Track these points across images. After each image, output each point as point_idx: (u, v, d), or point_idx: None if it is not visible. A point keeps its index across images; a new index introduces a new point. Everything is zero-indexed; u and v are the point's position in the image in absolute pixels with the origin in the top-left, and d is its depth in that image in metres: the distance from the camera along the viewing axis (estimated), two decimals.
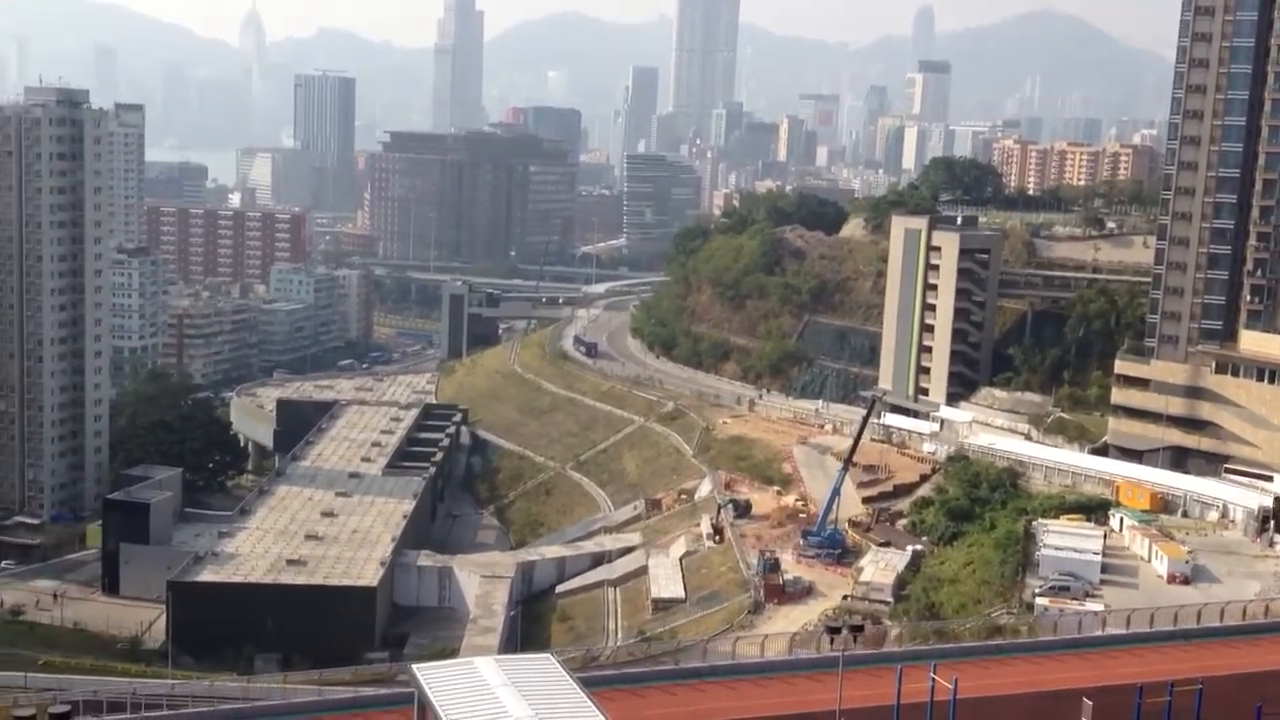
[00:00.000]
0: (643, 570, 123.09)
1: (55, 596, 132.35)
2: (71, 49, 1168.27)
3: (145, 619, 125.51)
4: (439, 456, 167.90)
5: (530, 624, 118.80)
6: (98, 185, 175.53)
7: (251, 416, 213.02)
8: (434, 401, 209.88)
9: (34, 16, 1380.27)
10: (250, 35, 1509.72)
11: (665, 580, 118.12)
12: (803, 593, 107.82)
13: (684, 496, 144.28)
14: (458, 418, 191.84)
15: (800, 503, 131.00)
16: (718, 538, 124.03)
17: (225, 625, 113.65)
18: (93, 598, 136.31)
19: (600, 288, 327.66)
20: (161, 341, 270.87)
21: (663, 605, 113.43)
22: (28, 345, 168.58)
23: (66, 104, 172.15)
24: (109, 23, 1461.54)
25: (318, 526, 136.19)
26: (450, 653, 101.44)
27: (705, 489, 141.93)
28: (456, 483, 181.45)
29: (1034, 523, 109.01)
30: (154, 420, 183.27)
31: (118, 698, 63.92)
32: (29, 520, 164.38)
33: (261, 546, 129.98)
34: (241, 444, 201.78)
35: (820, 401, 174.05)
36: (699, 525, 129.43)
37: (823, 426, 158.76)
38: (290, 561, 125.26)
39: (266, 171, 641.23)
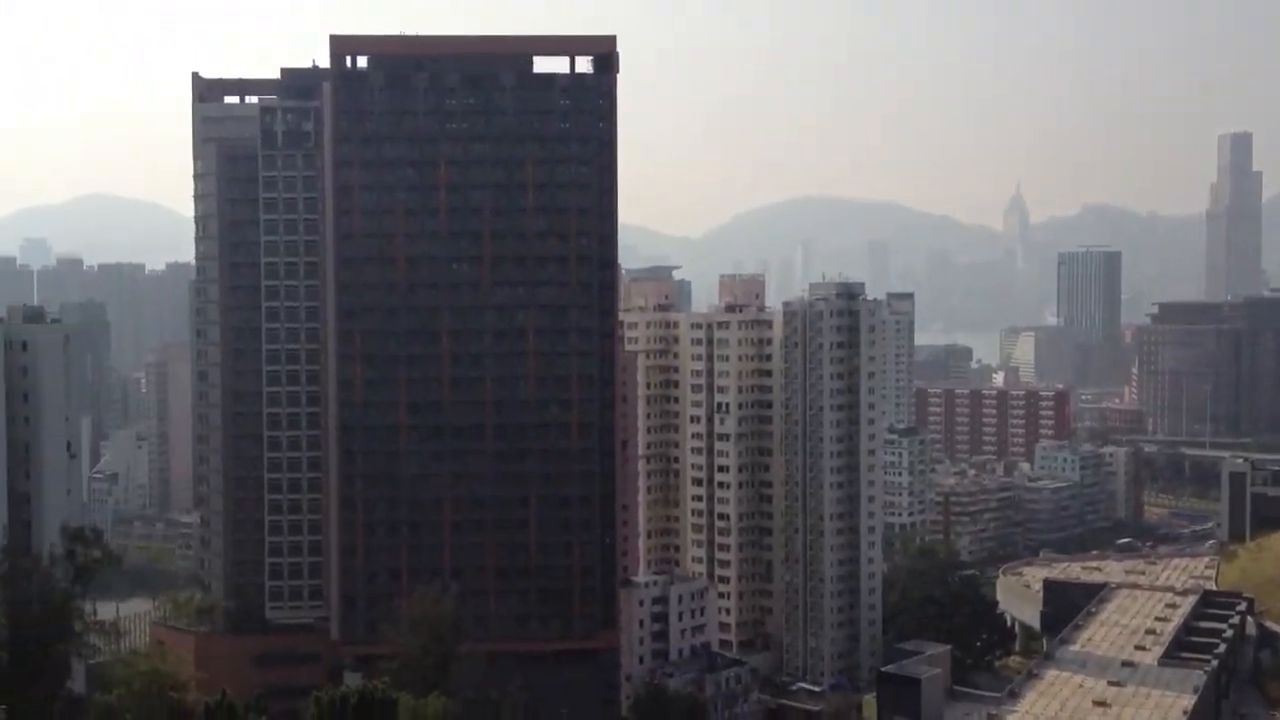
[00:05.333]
0: None
1: None
2: (848, 245, 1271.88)
3: None
4: (1221, 649, 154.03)
5: None
6: (871, 370, 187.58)
7: (1017, 596, 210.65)
8: (1214, 588, 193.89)
9: (819, 219, 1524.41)
10: (1014, 218, 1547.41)
11: None
12: None
13: None
14: (1242, 607, 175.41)
15: None
16: None
17: None
18: None
19: None
20: (929, 518, 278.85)
21: None
22: (810, 520, 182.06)
23: (845, 297, 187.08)
24: (882, 219, 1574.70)
25: (1089, 716, 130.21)
26: None
27: None
28: (1243, 678, 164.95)
29: None
30: (923, 595, 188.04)
31: None
32: (810, 687, 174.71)
33: None
34: (1008, 624, 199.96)
35: None
36: None
37: None
38: None
39: (1029, 350, 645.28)
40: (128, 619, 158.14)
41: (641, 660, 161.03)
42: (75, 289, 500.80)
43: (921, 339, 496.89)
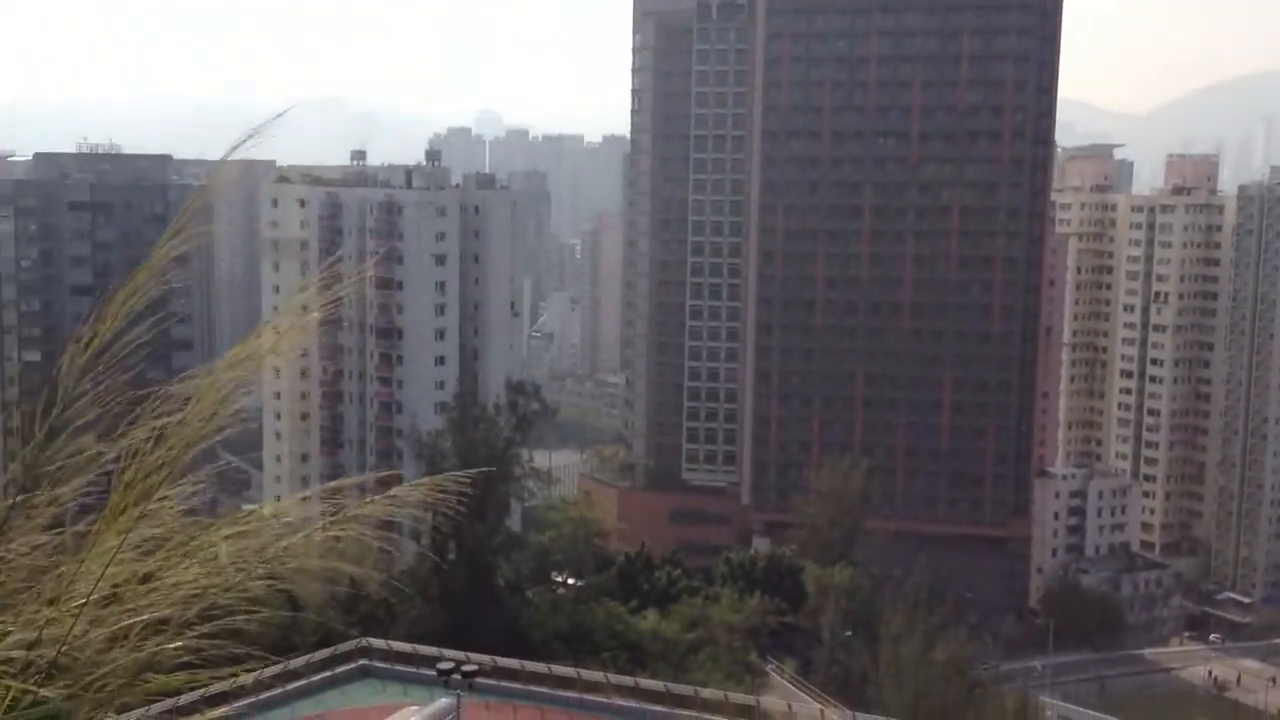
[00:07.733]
0: None
1: (1274, 680, 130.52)
2: None
3: None
4: None
5: None
6: None
7: None
8: None
9: None
10: None
11: None
12: None
13: None
14: None
15: None
16: None
17: None
18: None
19: None
20: None
21: None
22: (1252, 422, 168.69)
23: None
24: None
25: None
26: None
27: None
28: None
29: None
30: None
31: None
32: (1239, 598, 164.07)
33: None
34: None
35: None
36: None
37: None
38: None
39: None
40: (558, 469, 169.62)
41: (1055, 554, 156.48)
42: (521, 158, 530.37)
43: None
